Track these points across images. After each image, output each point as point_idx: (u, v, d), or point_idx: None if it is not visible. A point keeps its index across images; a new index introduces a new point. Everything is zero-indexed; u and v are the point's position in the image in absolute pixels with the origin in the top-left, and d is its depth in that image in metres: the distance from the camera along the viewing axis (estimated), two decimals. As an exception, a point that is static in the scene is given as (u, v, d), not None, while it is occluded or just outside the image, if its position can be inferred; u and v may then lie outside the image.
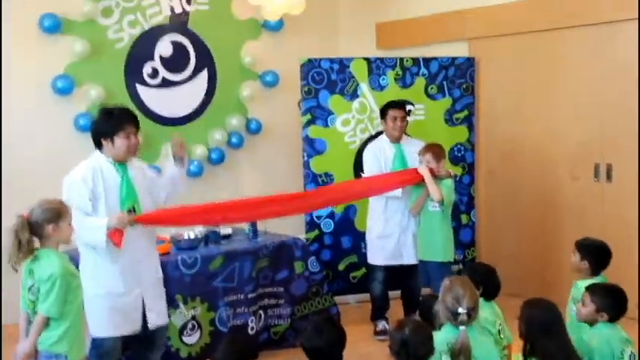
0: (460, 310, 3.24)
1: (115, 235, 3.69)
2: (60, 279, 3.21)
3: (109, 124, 3.78)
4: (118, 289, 3.80)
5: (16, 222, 3.21)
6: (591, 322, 3.79)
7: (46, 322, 3.23)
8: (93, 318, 3.77)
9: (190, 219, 4.31)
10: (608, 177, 5.49)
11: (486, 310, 3.95)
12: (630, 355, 3.67)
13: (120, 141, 3.76)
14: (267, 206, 4.59)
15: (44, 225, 3.26)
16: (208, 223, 4.69)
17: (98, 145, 3.80)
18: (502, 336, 3.95)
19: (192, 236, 4.77)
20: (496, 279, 4.06)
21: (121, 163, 3.82)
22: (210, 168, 6.10)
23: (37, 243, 3.26)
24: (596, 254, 4.17)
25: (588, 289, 3.82)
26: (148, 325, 3.90)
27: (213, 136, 6.10)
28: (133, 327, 3.87)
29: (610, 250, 4.15)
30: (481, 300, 3.97)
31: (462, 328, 3.23)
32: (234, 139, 6.20)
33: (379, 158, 5.21)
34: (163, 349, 4.16)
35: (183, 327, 4.47)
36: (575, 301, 4.04)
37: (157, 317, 3.95)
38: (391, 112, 5.18)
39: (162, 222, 4.08)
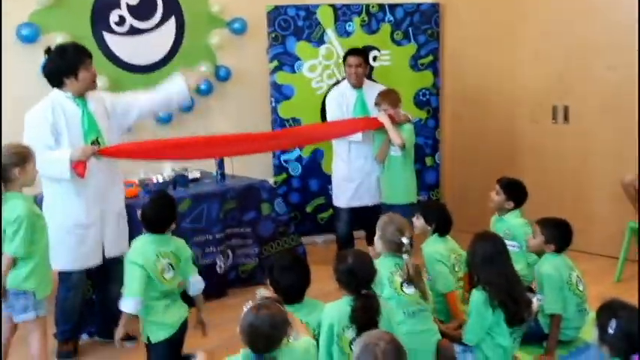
0: (404, 239, 3.47)
1: (79, 167, 3.78)
2: (26, 220, 3.31)
3: (69, 61, 3.85)
4: (82, 221, 3.92)
5: None
6: (540, 253, 4.00)
7: (14, 262, 3.34)
8: (59, 253, 3.88)
9: (154, 153, 4.39)
10: (566, 118, 5.64)
11: (440, 245, 4.15)
12: (577, 278, 3.90)
13: (83, 74, 3.87)
14: (233, 144, 4.71)
15: (11, 169, 3.34)
16: (171, 158, 4.77)
17: (58, 84, 3.87)
18: (457, 269, 4.16)
19: (160, 180, 4.90)
20: (447, 215, 4.26)
21: (80, 97, 3.91)
22: (180, 115, 6.16)
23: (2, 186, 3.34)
24: (519, 193, 4.49)
25: (539, 222, 4.03)
26: (106, 253, 4.04)
27: (182, 84, 6.15)
28: (97, 258, 4.02)
29: (526, 189, 4.47)
30: (435, 236, 4.20)
31: (405, 256, 3.44)
32: (203, 87, 6.24)
33: (341, 104, 5.30)
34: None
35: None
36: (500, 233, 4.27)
37: (114, 247, 4.07)
38: (348, 60, 5.26)
39: (125, 154, 4.14)
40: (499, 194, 4.48)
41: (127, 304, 3.48)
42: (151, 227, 3.61)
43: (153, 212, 3.64)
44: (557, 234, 3.93)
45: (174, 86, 4.27)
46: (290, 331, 2.79)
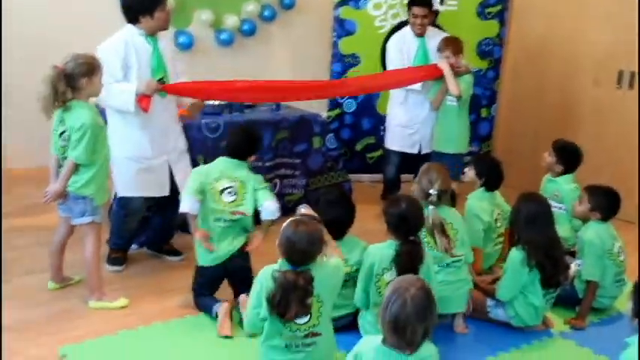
0: (432, 190, 3.52)
1: (144, 101, 3.87)
2: (90, 129, 3.44)
3: (147, 0, 3.88)
4: (146, 154, 4.03)
5: (52, 72, 3.38)
6: (585, 219, 4.01)
7: (76, 168, 3.50)
8: (121, 178, 4.04)
9: (216, 94, 4.49)
10: (631, 85, 5.51)
11: (485, 200, 4.17)
12: (619, 248, 3.91)
13: (159, 14, 3.91)
14: (290, 91, 4.76)
15: (79, 78, 3.43)
16: (235, 101, 4.89)
17: (133, 20, 3.92)
18: (499, 224, 4.19)
19: (216, 102, 4.98)
20: (499, 172, 4.24)
21: (152, 36, 3.96)
22: (241, 39, 6.19)
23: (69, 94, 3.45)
24: (571, 159, 4.44)
25: (587, 189, 4.02)
26: (178, 187, 4.12)
27: (246, 7, 6.15)
28: (160, 190, 4.13)
29: (581, 155, 4.42)
30: (481, 190, 4.22)
31: (431, 207, 3.51)
32: (266, 12, 6.23)
33: (402, 51, 5.23)
34: None
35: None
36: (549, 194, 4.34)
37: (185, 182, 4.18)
38: (413, 10, 5.15)
39: (188, 93, 4.22)
40: (551, 156, 4.46)
41: (182, 203, 3.63)
42: (229, 153, 3.76)
43: (234, 140, 3.80)
44: (604, 203, 3.91)
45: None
46: (325, 249, 2.91)
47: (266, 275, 2.85)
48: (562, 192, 4.39)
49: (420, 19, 5.12)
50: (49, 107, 3.43)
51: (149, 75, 3.94)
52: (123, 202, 4.12)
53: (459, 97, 4.93)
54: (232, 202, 3.64)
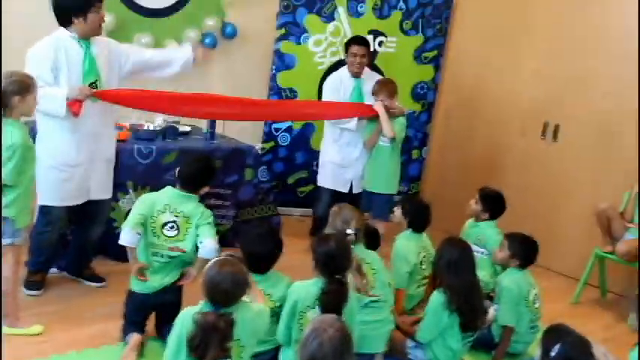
0: (349, 231, 3.56)
1: (75, 105, 3.80)
2: (20, 149, 3.34)
3: (81, 1, 3.81)
4: (71, 160, 3.95)
5: None
6: (504, 265, 4.13)
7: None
8: (44, 187, 3.92)
9: (149, 103, 4.38)
10: (555, 136, 5.74)
11: (412, 241, 4.24)
12: (535, 295, 4.04)
13: (92, 16, 3.84)
14: (225, 106, 4.71)
15: (11, 96, 3.35)
16: (166, 112, 4.75)
17: (65, 23, 3.86)
18: (424, 267, 4.26)
19: (151, 128, 4.94)
20: (426, 214, 4.33)
21: (85, 39, 3.90)
22: (180, 65, 6.17)
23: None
24: (497, 207, 4.58)
25: (508, 236, 4.15)
26: (90, 195, 4.08)
27: (188, 34, 6.14)
28: (80, 198, 4.06)
29: (505, 204, 4.58)
30: (409, 231, 4.29)
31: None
32: (207, 40, 6.24)
33: (338, 90, 5.29)
34: (104, 227, 4.36)
35: (130, 211, 4.65)
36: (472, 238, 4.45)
37: (100, 191, 4.13)
38: (352, 48, 5.23)
39: (121, 100, 4.13)
40: (477, 204, 4.59)
41: (122, 235, 3.49)
42: (181, 183, 3.63)
43: (187, 170, 3.65)
44: (523, 251, 4.04)
45: (180, 52, 4.35)
46: (248, 291, 2.89)
47: (186, 318, 2.81)
48: (485, 236, 4.52)
49: (359, 57, 5.21)
50: None
51: (80, 78, 3.86)
52: (45, 211, 4.03)
53: (392, 139, 5.03)
54: (173, 237, 3.54)
